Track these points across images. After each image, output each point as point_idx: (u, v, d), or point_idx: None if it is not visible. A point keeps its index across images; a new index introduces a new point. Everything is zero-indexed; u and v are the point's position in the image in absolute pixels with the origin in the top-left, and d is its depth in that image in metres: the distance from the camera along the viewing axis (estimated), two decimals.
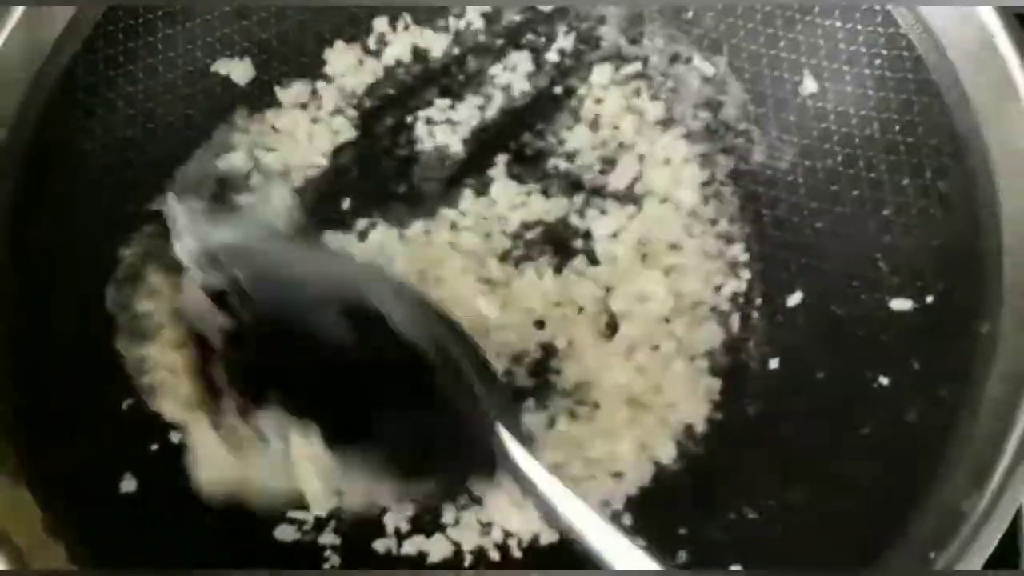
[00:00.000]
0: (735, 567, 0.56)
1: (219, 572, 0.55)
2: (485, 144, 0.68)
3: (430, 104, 0.69)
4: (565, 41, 0.70)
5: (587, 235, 0.65)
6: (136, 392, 0.60)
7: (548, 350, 0.63)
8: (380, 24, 0.70)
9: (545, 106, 0.69)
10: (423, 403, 0.51)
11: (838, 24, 0.63)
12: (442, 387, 0.50)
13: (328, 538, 0.59)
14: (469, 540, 0.59)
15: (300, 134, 0.67)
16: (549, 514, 0.49)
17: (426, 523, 0.60)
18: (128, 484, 0.58)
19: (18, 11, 0.59)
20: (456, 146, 0.68)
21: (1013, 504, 0.49)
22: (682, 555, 0.58)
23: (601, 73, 0.69)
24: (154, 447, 0.60)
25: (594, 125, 0.68)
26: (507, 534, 0.60)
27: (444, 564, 0.59)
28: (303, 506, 0.56)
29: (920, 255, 0.60)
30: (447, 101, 0.69)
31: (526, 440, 0.51)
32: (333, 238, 0.65)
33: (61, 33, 0.61)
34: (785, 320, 0.63)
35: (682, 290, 0.63)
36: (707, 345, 0.63)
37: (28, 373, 0.57)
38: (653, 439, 0.61)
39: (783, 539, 0.57)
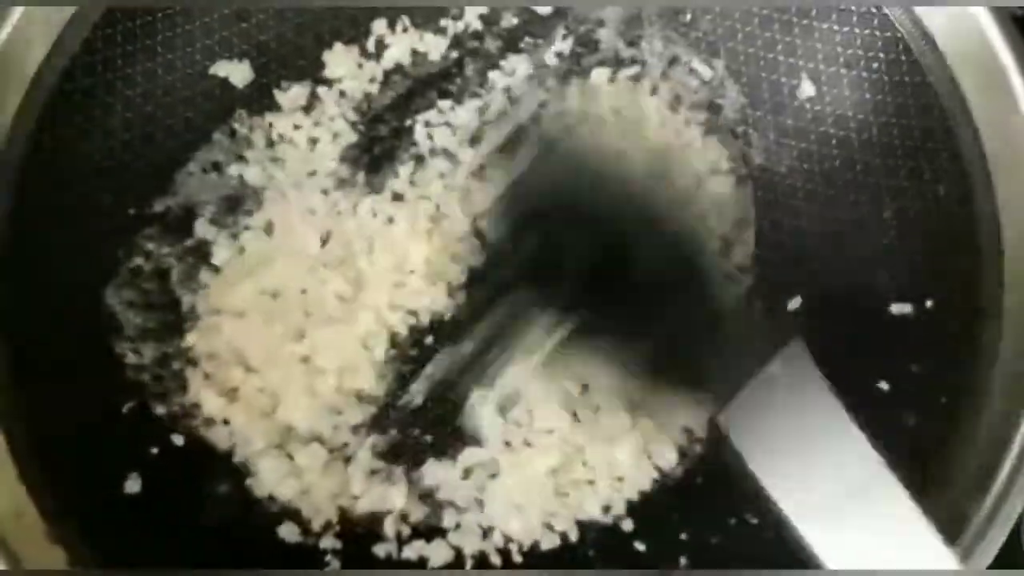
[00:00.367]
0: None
1: (220, 572, 0.55)
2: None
3: (429, 107, 0.68)
4: (563, 44, 0.70)
5: None
6: (138, 394, 0.61)
7: None
8: (379, 27, 0.69)
9: None
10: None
11: (835, 27, 0.64)
12: None
13: (328, 542, 0.59)
14: (470, 545, 0.60)
15: (300, 137, 0.67)
16: None
17: (426, 528, 0.60)
18: (132, 485, 0.58)
19: (16, 12, 0.59)
20: (455, 149, 0.68)
21: (1015, 510, 0.49)
22: (683, 560, 0.58)
23: (599, 76, 0.69)
24: (154, 450, 0.60)
25: None
26: (508, 539, 0.60)
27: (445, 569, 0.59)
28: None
29: (919, 259, 0.60)
30: (447, 104, 0.68)
31: None
32: None
33: (59, 35, 0.60)
34: (784, 324, 0.63)
35: None
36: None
37: (28, 375, 0.57)
38: (654, 444, 0.61)
39: (783, 545, 0.57)
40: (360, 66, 0.69)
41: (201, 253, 0.64)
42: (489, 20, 0.70)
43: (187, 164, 0.66)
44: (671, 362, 0.54)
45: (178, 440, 0.60)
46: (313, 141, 0.67)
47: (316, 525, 0.60)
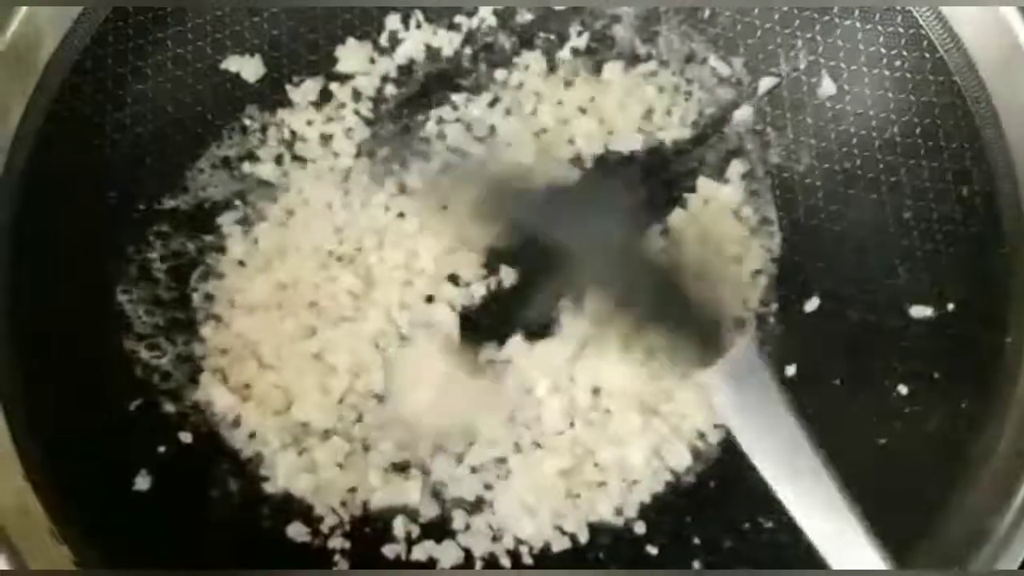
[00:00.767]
0: None
1: (224, 573, 0.55)
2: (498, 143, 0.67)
3: (442, 103, 0.68)
4: (579, 40, 0.69)
5: None
6: (146, 391, 0.60)
7: None
8: (392, 22, 0.69)
9: None
10: None
11: (857, 24, 0.63)
12: None
13: (337, 542, 0.59)
14: (480, 546, 0.59)
15: (312, 133, 0.67)
16: None
17: (436, 529, 0.60)
18: (140, 483, 0.58)
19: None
20: (468, 145, 0.67)
21: None
22: (696, 564, 0.57)
23: (613, 72, 0.68)
24: (162, 448, 0.59)
25: None
26: (518, 541, 0.59)
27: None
28: None
29: (941, 261, 0.59)
30: (460, 100, 0.68)
31: None
32: None
33: (70, 28, 0.60)
34: (802, 326, 0.62)
35: None
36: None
37: (35, 372, 0.57)
38: (666, 446, 0.60)
39: (797, 548, 0.56)
40: (373, 61, 0.69)
41: (212, 249, 0.64)
42: (503, 15, 0.70)
43: (198, 160, 0.65)
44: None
45: (186, 438, 0.60)
46: (325, 137, 0.67)
47: (326, 525, 0.59)
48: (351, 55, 0.68)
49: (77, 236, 0.60)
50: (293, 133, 0.67)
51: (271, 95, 0.67)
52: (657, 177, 0.66)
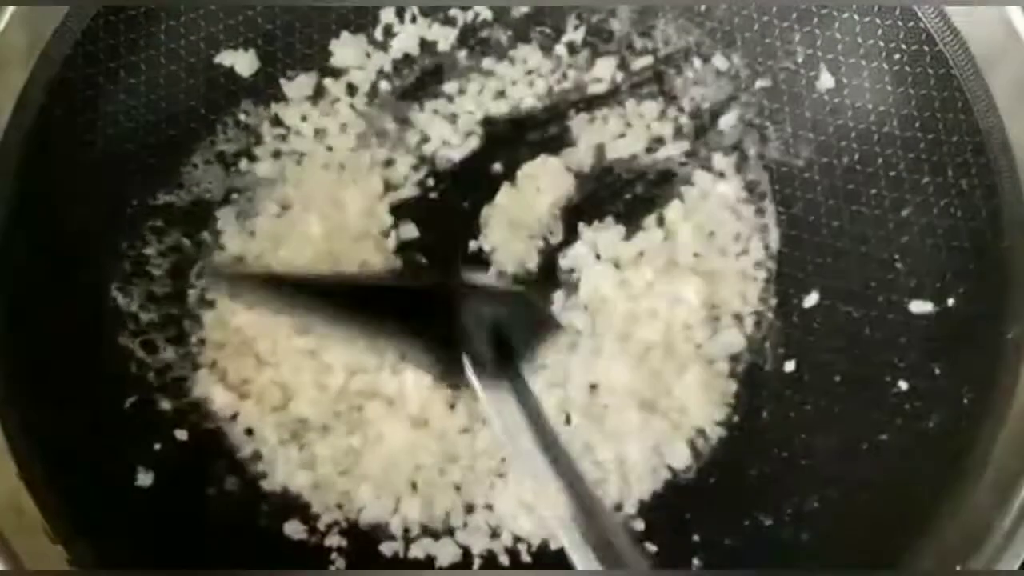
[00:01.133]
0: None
1: (223, 572, 0.54)
2: (493, 139, 0.67)
3: (437, 97, 0.67)
4: (575, 34, 0.69)
5: None
6: (142, 389, 0.60)
7: None
8: (387, 15, 0.68)
9: None
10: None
11: (856, 18, 0.62)
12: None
13: (334, 540, 0.59)
14: (478, 544, 0.59)
15: (307, 127, 0.66)
16: None
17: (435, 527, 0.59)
18: (138, 481, 0.58)
19: None
20: (463, 140, 0.67)
21: None
22: (696, 562, 0.57)
23: (609, 66, 0.67)
24: (157, 446, 0.59)
25: None
26: (516, 538, 0.59)
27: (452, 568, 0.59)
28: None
29: (941, 256, 0.59)
30: (455, 94, 0.67)
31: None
32: None
33: (61, 23, 0.59)
34: (801, 322, 0.62)
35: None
36: (721, 348, 0.62)
37: (30, 369, 0.56)
38: (665, 443, 0.60)
39: (797, 546, 0.56)
40: (368, 55, 0.68)
41: (207, 244, 0.64)
42: (499, 10, 0.69)
43: (192, 155, 0.65)
44: None
45: (183, 435, 0.60)
46: (320, 131, 0.67)
47: (323, 522, 0.59)
48: (346, 49, 0.68)
49: (71, 232, 0.60)
50: (288, 128, 0.66)
51: (265, 89, 0.67)
52: (654, 171, 0.66)
